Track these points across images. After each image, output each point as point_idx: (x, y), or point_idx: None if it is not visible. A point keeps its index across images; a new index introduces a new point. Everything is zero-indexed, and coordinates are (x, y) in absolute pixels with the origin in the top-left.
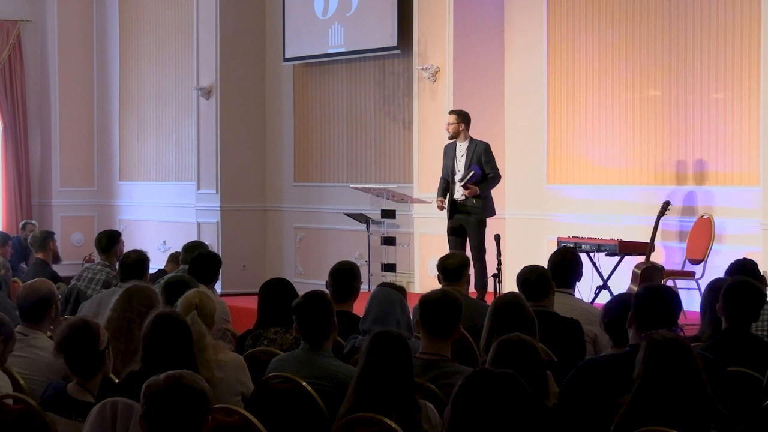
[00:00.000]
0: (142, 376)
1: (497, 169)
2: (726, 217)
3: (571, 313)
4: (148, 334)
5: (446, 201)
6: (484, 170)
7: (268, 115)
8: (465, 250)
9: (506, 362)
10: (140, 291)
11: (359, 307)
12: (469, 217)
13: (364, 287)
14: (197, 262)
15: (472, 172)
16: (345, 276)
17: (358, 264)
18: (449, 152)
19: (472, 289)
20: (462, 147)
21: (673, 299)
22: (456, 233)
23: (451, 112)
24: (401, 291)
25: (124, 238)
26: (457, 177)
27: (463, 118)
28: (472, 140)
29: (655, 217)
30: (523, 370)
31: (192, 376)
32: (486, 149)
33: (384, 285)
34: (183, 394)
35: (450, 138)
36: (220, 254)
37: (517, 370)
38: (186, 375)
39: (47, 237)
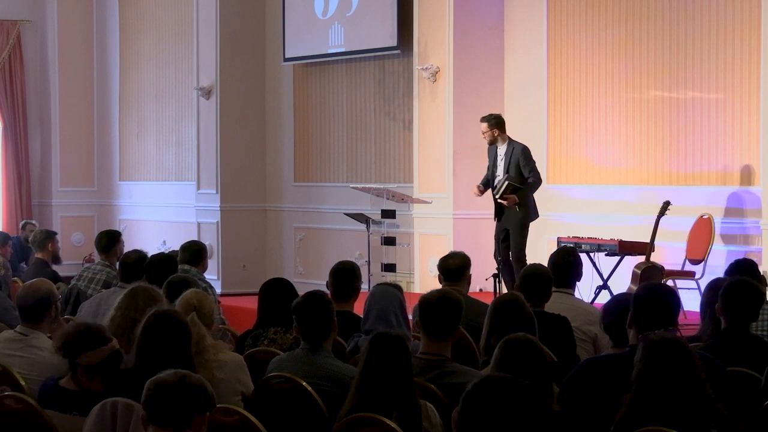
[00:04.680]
0: (136, 374)
1: (537, 172)
2: (726, 217)
3: (571, 313)
4: (146, 332)
5: (484, 190)
6: (522, 173)
7: (268, 115)
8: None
9: (512, 362)
10: (145, 291)
11: (359, 307)
12: (511, 220)
13: (364, 287)
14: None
15: (505, 183)
16: (346, 276)
17: (358, 264)
18: (490, 155)
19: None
20: (501, 150)
21: (671, 298)
22: (505, 239)
23: (482, 120)
24: (398, 289)
25: (124, 238)
26: (498, 180)
27: (495, 122)
28: (510, 142)
29: (655, 217)
30: (529, 370)
31: (197, 377)
32: (523, 152)
33: (381, 285)
34: (186, 388)
35: (489, 144)
36: (220, 254)
37: (523, 370)
38: (184, 371)
39: (47, 237)
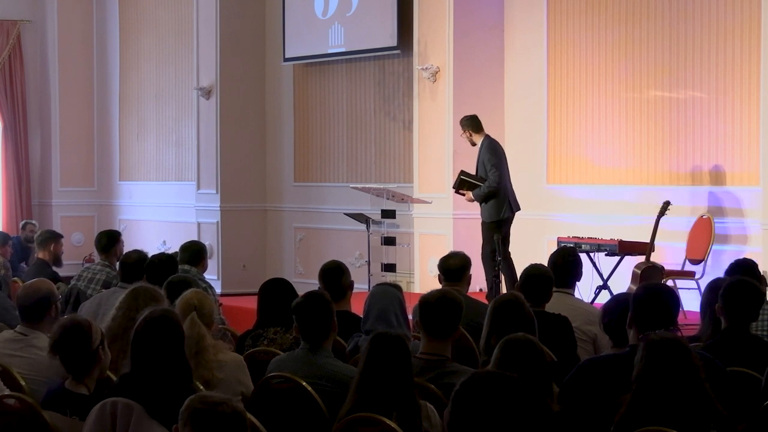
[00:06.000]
0: (133, 378)
1: (493, 172)
2: (726, 217)
3: (571, 313)
4: (138, 338)
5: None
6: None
7: (268, 115)
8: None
9: (511, 362)
10: (146, 291)
11: (359, 307)
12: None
13: (364, 287)
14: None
15: (459, 178)
16: (332, 275)
17: (358, 264)
18: None
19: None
20: (478, 149)
21: (670, 298)
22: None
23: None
24: (398, 289)
25: (124, 238)
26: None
27: (465, 123)
28: (484, 139)
29: (655, 217)
30: (529, 370)
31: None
32: (487, 147)
33: (380, 285)
34: (231, 418)
35: (473, 146)
36: (220, 254)
37: (523, 370)
38: (232, 400)
39: (50, 237)
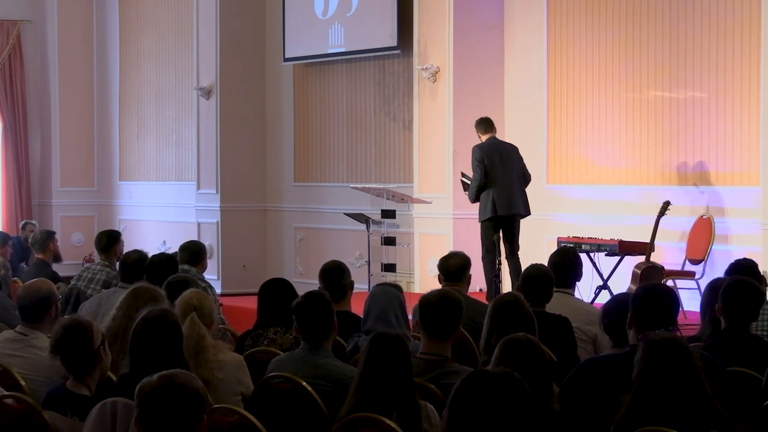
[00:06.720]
0: (132, 378)
1: (474, 173)
2: (726, 217)
3: (571, 313)
4: (136, 338)
5: None
6: None
7: (268, 115)
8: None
9: (512, 362)
10: (147, 291)
11: (359, 307)
12: None
13: (364, 287)
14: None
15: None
16: (334, 274)
17: (358, 264)
18: None
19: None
20: None
21: (670, 298)
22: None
23: None
24: (398, 289)
25: (124, 238)
26: None
27: (475, 125)
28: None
29: (655, 217)
30: (529, 370)
31: (186, 375)
32: (473, 149)
33: (380, 285)
34: (176, 393)
35: None
36: (220, 254)
37: (523, 370)
38: (179, 374)
39: (48, 237)
